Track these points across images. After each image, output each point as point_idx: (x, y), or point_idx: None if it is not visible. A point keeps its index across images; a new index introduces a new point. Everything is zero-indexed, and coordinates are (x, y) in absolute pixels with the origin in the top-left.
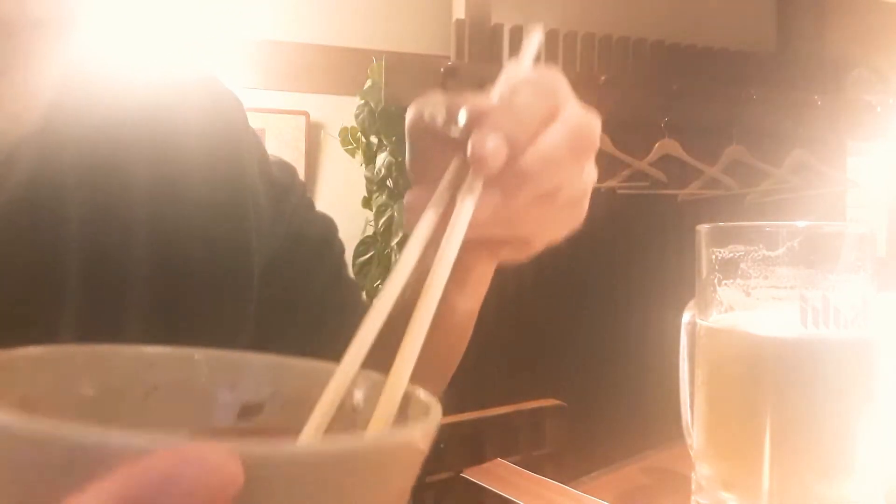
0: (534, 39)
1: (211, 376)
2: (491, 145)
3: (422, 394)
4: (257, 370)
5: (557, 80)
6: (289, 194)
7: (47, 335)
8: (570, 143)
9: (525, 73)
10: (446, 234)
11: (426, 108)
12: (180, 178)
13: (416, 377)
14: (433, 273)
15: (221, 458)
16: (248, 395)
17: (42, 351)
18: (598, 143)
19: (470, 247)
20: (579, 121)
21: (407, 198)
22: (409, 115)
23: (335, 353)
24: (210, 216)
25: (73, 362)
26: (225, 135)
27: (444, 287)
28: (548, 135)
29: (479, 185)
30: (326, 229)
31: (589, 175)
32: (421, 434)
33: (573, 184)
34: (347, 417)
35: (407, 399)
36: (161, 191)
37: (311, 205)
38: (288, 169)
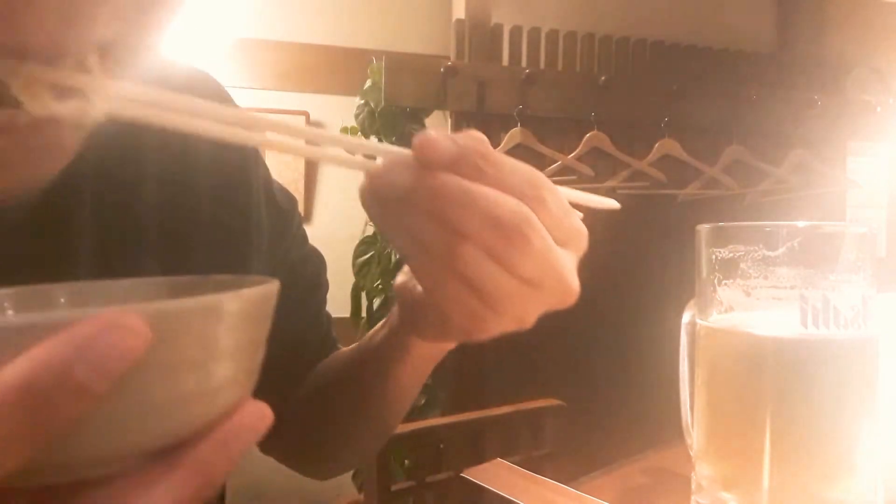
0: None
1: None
2: (443, 140)
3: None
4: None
5: (555, 195)
6: (290, 223)
7: None
8: (490, 211)
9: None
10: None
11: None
12: (189, 193)
13: (356, 432)
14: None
15: (131, 319)
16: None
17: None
18: (530, 256)
19: (400, 315)
20: (516, 209)
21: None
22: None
23: (290, 389)
24: (216, 233)
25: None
26: (235, 155)
27: (391, 359)
28: (483, 186)
29: (405, 157)
30: (318, 266)
31: (530, 298)
32: (266, 292)
33: (495, 275)
34: None
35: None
36: (169, 203)
37: (305, 238)
38: (290, 198)
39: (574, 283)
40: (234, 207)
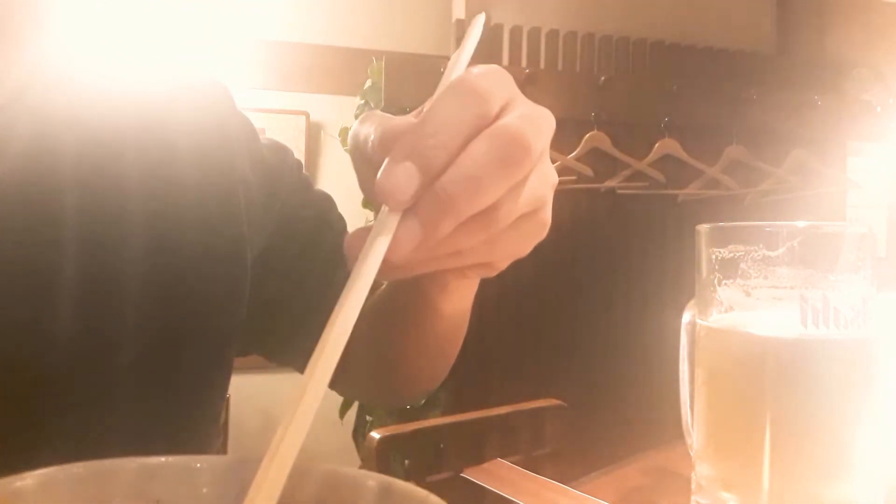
0: (475, 28)
1: (213, 486)
2: (398, 176)
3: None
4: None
5: (492, 80)
6: (280, 175)
7: (41, 331)
8: (497, 156)
9: (457, 76)
10: (349, 281)
11: (360, 130)
12: (171, 169)
13: (416, 372)
14: (330, 328)
15: None
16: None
17: (45, 475)
18: (537, 147)
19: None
20: (510, 128)
21: (346, 239)
22: (350, 137)
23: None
24: (201, 207)
25: (77, 482)
26: (213, 124)
27: (427, 293)
28: (469, 151)
29: (393, 221)
30: (323, 208)
31: (540, 183)
32: None
33: (514, 198)
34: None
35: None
36: (152, 181)
37: (306, 185)
38: (280, 150)
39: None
40: (219, 183)
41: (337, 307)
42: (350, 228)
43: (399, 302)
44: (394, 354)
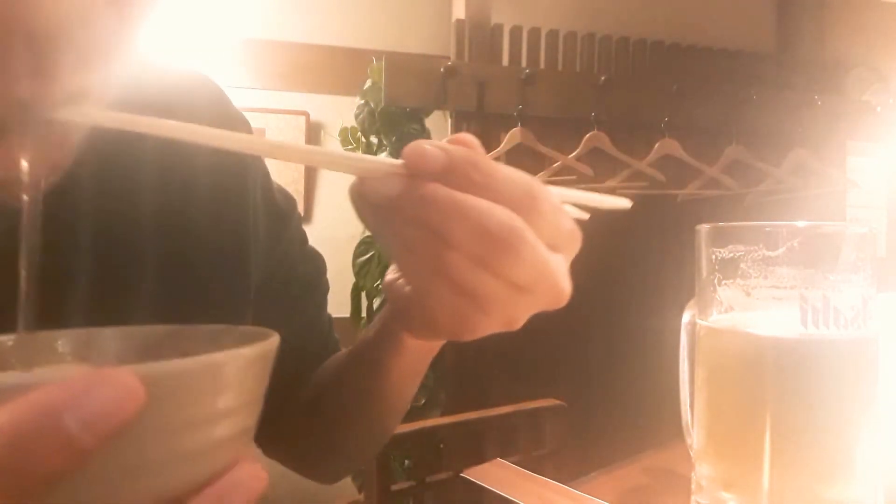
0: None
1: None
2: (431, 148)
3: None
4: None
5: (558, 211)
6: (288, 223)
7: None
8: (498, 240)
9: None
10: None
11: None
12: (187, 188)
13: (356, 433)
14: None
15: (127, 378)
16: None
17: None
18: (529, 270)
19: (391, 312)
20: (506, 220)
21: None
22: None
23: (291, 393)
24: (213, 237)
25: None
26: (232, 158)
27: (382, 356)
28: (491, 205)
29: (397, 169)
30: (317, 267)
31: (519, 302)
32: (265, 350)
33: (482, 280)
34: None
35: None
36: (167, 208)
37: (304, 239)
38: (289, 198)
39: (565, 285)
40: (231, 210)
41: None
42: (350, 228)
43: (352, 365)
44: (334, 422)
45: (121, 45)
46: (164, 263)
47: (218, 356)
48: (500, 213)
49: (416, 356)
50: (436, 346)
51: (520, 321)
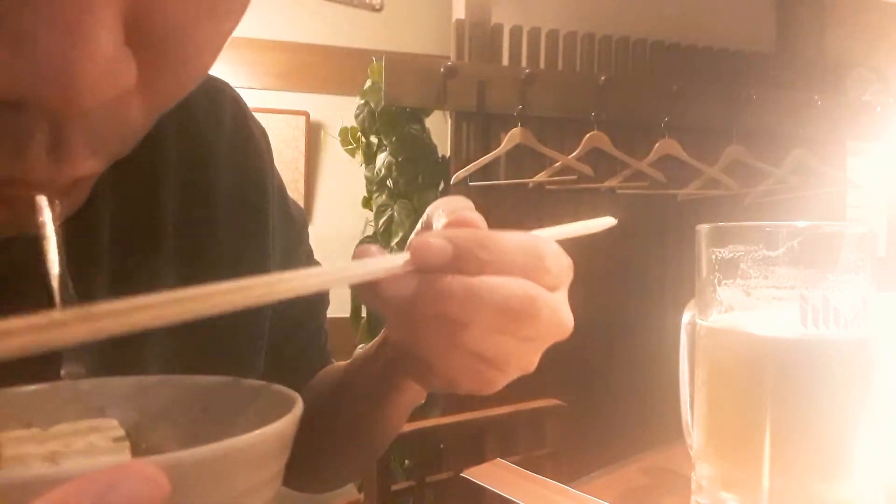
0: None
1: (77, 403)
2: (435, 239)
3: (282, 388)
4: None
5: (560, 263)
6: (301, 238)
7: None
8: (509, 306)
9: (544, 237)
10: (352, 263)
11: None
12: (210, 201)
13: (347, 452)
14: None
15: (152, 471)
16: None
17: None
18: (539, 336)
19: (400, 367)
20: (524, 292)
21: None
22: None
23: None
24: (234, 241)
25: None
26: (254, 164)
27: (384, 387)
28: (499, 280)
29: (405, 265)
30: None
31: (517, 362)
32: (286, 427)
33: (495, 341)
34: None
35: (268, 392)
36: (191, 211)
37: (311, 255)
38: (303, 213)
39: (570, 319)
40: (252, 215)
41: (331, 269)
42: (350, 228)
43: (348, 389)
44: (325, 438)
45: (138, 134)
46: (185, 277)
47: (239, 441)
48: (517, 289)
49: (416, 393)
50: (412, 406)
51: (534, 364)
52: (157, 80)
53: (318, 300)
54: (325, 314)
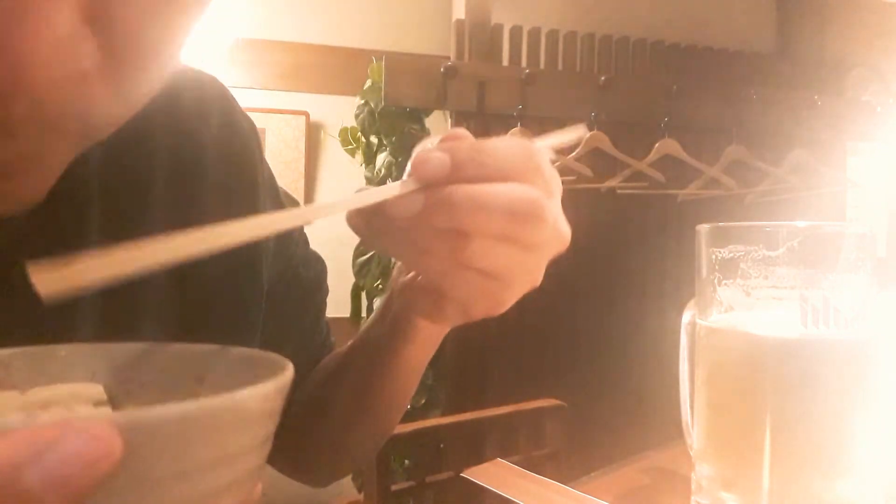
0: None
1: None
2: (435, 155)
3: (273, 356)
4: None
5: (551, 171)
6: (291, 232)
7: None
8: (514, 207)
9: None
10: (357, 193)
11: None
12: (199, 194)
13: (354, 435)
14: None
15: (101, 429)
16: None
17: None
18: (543, 238)
19: (411, 306)
20: (541, 202)
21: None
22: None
23: (298, 390)
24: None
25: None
26: (242, 157)
27: (394, 341)
28: (496, 185)
29: (408, 185)
30: (319, 270)
31: (521, 268)
32: (264, 392)
33: (498, 248)
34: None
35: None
36: (180, 205)
37: (306, 242)
38: (294, 202)
39: (568, 230)
40: (242, 208)
41: (325, 204)
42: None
43: (356, 357)
44: (332, 421)
45: (112, 120)
46: (175, 269)
47: (212, 402)
48: (520, 193)
49: (426, 343)
50: (443, 332)
51: (539, 279)
52: (123, 64)
53: (317, 286)
54: (325, 300)
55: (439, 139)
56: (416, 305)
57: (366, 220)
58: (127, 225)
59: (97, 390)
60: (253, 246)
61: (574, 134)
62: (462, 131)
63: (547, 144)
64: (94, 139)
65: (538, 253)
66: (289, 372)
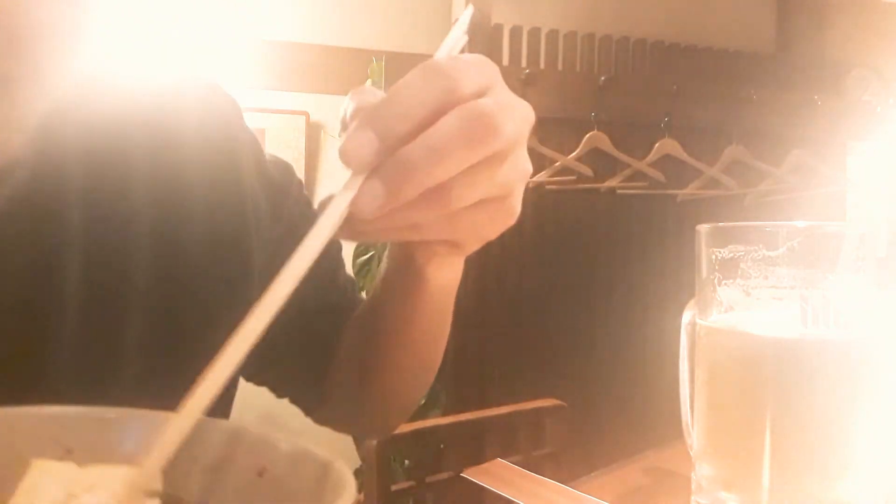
0: (462, 20)
1: (125, 437)
2: (358, 139)
3: (338, 466)
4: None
5: (464, 64)
6: (286, 194)
7: (46, 338)
8: (461, 132)
9: (436, 60)
10: (311, 230)
11: (344, 106)
12: (180, 180)
13: (401, 380)
14: (279, 277)
15: None
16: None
17: None
18: (506, 129)
19: (407, 249)
20: (478, 107)
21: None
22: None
23: (326, 355)
24: (210, 218)
25: None
26: (222, 136)
27: (407, 290)
28: (435, 125)
29: (358, 181)
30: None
31: (510, 170)
32: None
33: (473, 177)
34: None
35: (325, 469)
36: (161, 193)
37: (308, 202)
38: (285, 168)
39: (522, 100)
40: (227, 201)
41: (295, 253)
42: None
43: (387, 291)
44: (379, 361)
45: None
46: (160, 264)
47: None
48: (457, 120)
49: (449, 269)
50: (454, 282)
51: (528, 162)
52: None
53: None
54: (338, 256)
55: (351, 108)
56: (432, 252)
57: (349, 231)
58: (110, 219)
59: (153, 475)
60: (239, 225)
61: (465, 21)
62: (363, 88)
63: (446, 50)
64: None
65: (515, 145)
66: (351, 493)
